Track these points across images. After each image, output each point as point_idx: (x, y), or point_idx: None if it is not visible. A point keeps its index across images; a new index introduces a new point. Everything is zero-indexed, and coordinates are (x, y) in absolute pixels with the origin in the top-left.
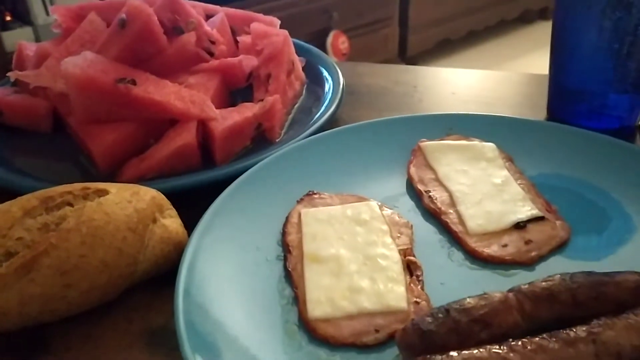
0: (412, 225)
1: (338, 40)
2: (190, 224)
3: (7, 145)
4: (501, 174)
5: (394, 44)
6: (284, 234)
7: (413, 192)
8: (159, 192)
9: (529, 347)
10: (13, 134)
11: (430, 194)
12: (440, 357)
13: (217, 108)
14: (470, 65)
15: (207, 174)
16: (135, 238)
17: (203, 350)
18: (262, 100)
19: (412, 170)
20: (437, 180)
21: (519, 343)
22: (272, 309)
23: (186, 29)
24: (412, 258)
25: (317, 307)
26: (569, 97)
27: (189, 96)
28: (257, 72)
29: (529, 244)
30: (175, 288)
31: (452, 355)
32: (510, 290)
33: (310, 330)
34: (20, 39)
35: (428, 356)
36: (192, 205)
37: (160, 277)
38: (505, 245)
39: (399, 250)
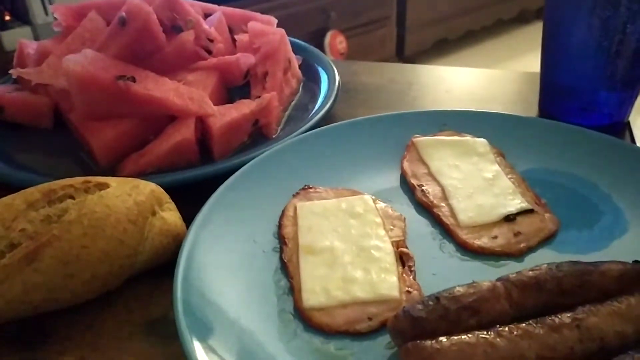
0: (405, 218)
1: (336, 40)
2: (188, 217)
3: (9, 142)
4: (492, 168)
5: (391, 43)
6: (280, 226)
7: (406, 186)
8: (158, 186)
9: (515, 333)
10: (15, 130)
11: (423, 188)
12: (430, 342)
13: (215, 105)
14: (467, 64)
15: (205, 168)
16: (135, 230)
17: (201, 337)
18: (259, 97)
19: (406, 165)
20: (430, 174)
21: (506, 329)
22: (268, 299)
23: (185, 28)
24: (404, 249)
25: (312, 296)
26: (560, 95)
27: (187, 93)
28: (254, 69)
29: (518, 235)
30: (174, 278)
31: (441, 341)
32: (498, 279)
33: (306, 318)
34: (19, 39)
35: (418, 341)
36: (190, 199)
37: (159, 269)
38: (495, 237)
39: (392, 242)
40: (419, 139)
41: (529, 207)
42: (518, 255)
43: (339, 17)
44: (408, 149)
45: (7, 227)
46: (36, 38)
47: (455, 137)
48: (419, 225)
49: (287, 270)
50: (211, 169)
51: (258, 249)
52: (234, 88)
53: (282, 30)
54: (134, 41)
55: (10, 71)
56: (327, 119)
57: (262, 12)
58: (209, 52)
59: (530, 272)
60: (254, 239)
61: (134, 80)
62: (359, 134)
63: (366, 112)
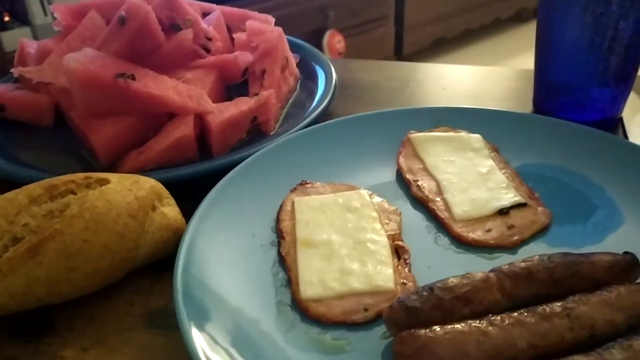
0: (400, 212)
1: (334, 39)
2: (188, 212)
3: (11, 139)
4: (486, 163)
5: (389, 42)
6: (278, 221)
7: (402, 181)
8: (158, 182)
9: (507, 322)
10: (16, 129)
11: (418, 182)
12: (424, 331)
13: (213, 102)
14: (465, 63)
15: (204, 165)
16: (136, 224)
17: (200, 328)
18: (257, 94)
19: (402, 160)
20: (425, 169)
21: (498, 318)
22: (266, 291)
23: (184, 26)
24: (400, 243)
25: (309, 288)
26: (554, 91)
27: (186, 91)
28: (252, 67)
29: (511, 228)
30: (174, 271)
31: (435, 329)
32: (491, 271)
33: (303, 309)
34: (19, 39)
35: (412, 330)
36: (190, 194)
37: (159, 263)
38: (489, 230)
39: (388, 236)
40: (415, 135)
41: (522, 200)
42: (511, 247)
43: (337, 16)
44: (404, 144)
45: (11, 221)
46: (35, 38)
47: (451, 133)
48: (415, 219)
49: (285, 263)
50: (210, 165)
51: (256, 243)
52: (232, 86)
53: (280, 29)
54: (133, 40)
55: (12, 70)
56: (324, 116)
57: (261, 12)
58: (208, 51)
59: (522, 263)
60: (253, 233)
61: (133, 78)
62: (356, 130)
63: (363, 109)
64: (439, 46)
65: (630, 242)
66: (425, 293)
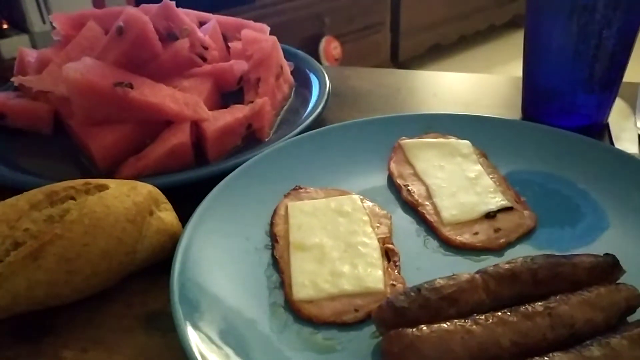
0: (391, 216)
1: (330, 46)
2: (184, 217)
3: (11, 147)
4: (475, 168)
5: (385, 49)
6: (271, 225)
7: (393, 186)
8: (155, 188)
9: (491, 321)
10: (16, 136)
11: (408, 187)
12: (411, 330)
13: (209, 110)
14: (461, 69)
15: (200, 170)
16: (134, 229)
17: (196, 329)
18: (252, 102)
19: (393, 166)
20: (416, 175)
21: (482, 317)
22: (260, 293)
23: (180, 36)
24: (390, 245)
25: (302, 289)
26: (541, 98)
27: (182, 98)
28: (247, 75)
29: (498, 231)
30: (171, 274)
31: (421, 328)
32: (477, 272)
33: (295, 310)
34: (16, 47)
35: (400, 329)
36: (186, 200)
37: (157, 266)
38: (476, 233)
39: (378, 239)
40: (406, 141)
41: (509, 204)
42: (498, 250)
43: (333, 23)
44: (395, 150)
45: (12, 226)
46: (34, 46)
47: (440, 139)
48: (405, 222)
49: (279, 265)
50: (206, 171)
51: (251, 246)
52: (228, 93)
53: (274, 38)
54: (131, 49)
55: (12, 79)
56: (317, 122)
57: (258, 20)
58: (204, 59)
59: (507, 265)
60: (247, 236)
61: (131, 86)
62: (348, 136)
63: (356, 116)
64: (434, 52)
65: (614, 245)
66: (412, 294)
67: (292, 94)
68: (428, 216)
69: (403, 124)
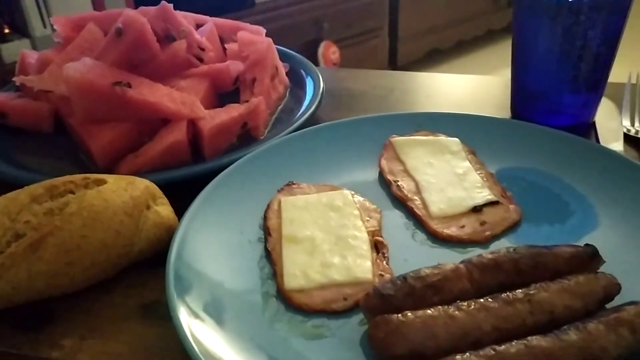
0: (380, 211)
1: (329, 51)
2: (181, 212)
3: (12, 145)
4: (463, 165)
5: (383, 53)
6: (265, 219)
7: (383, 182)
8: (152, 183)
9: (473, 307)
10: (18, 135)
11: (398, 183)
12: (396, 316)
13: (206, 109)
14: (459, 73)
15: (196, 167)
16: (131, 222)
17: (191, 318)
18: (247, 101)
19: (383, 162)
20: (406, 171)
21: (465, 303)
22: (253, 283)
23: (178, 37)
24: (379, 238)
25: (293, 279)
26: (529, 97)
27: (180, 98)
28: (243, 76)
29: (483, 225)
30: (167, 265)
31: (406, 314)
32: (461, 262)
33: (287, 299)
34: (17, 51)
35: (386, 315)
36: (182, 195)
37: (153, 259)
38: (463, 226)
39: (368, 232)
40: (396, 139)
41: (495, 199)
42: (484, 242)
43: (332, 28)
44: (386, 148)
45: (13, 219)
46: (35, 50)
47: (430, 137)
48: (394, 217)
49: (271, 257)
50: (202, 168)
51: (244, 239)
52: (224, 93)
53: (269, 40)
54: (129, 50)
55: (14, 79)
56: (311, 121)
57: (258, 24)
58: (201, 60)
59: (490, 255)
60: (241, 230)
61: (129, 86)
62: (341, 134)
63: (350, 116)
64: (432, 57)
65: (597, 235)
66: (399, 282)
67: (287, 94)
68: (417, 210)
69: (394, 122)
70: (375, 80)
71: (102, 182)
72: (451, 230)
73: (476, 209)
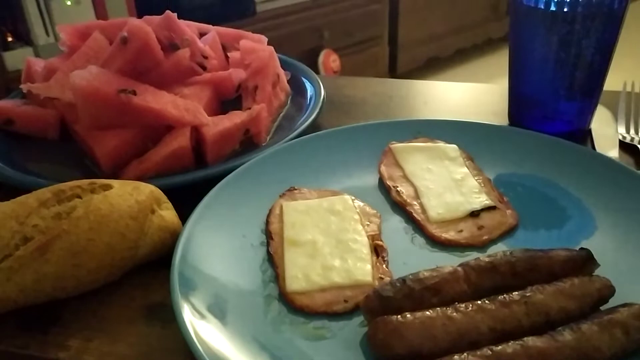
0: (380, 215)
1: (329, 59)
2: (185, 216)
3: (19, 151)
4: (461, 170)
5: (384, 62)
6: (267, 223)
7: (383, 187)
8: (157, 188)
9: (470, 308)
10: (25, 141)
11: (397, 188)
12: (395, 317)
13: (209, 116)
14: (458, 81)
15: (199, 173)
16: (136, 225)
17: (195, 319)
18: (249, 108)
19: (383, 168)
20: (405, 176)
21: (462, 305)
22: (255, 285)
23: (181, 46)
24: (379, 242)
25: (294, 282)
26: (525, 105)
27: (183, 105)
28: (245, 84)
29: (481, 229)
30: (171, 268)
31: (405, 315)
32: (459, 265)
33: (288, 301)
34: (21, 59)
35: (385, 317)
36: (186, 200)
37: (157, 262)
38: (460, 231)
39: (368, 236)
40: (395, 145)
41: (492, 204)
42: (481, 246)
43: (332, 36)
44: (385, 154)
45: (22, 222)
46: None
47: (429, 143)
48: (393, 221)
49: (273, 260)
50: (205, 173)
51: (247, 243)
52: (226, 101)
53: (271, 48)
54: (134, 58)
55: (21, 86)
56: (312, 128)
57: (259, 33)
58: (204, 68)
59: (487, 258)
60: (244, 234)
61: (134, 93)
62: (341, 141)
63: (349, 122)
64: (432, 65)
65: (592, 240)
66: (398, 284)
67: (289, 101)
68: (416, 215)
69: (393, 129)
70: (374, 88)
71: (108, 187)
72: (449, 235)
73: (474, 214)
